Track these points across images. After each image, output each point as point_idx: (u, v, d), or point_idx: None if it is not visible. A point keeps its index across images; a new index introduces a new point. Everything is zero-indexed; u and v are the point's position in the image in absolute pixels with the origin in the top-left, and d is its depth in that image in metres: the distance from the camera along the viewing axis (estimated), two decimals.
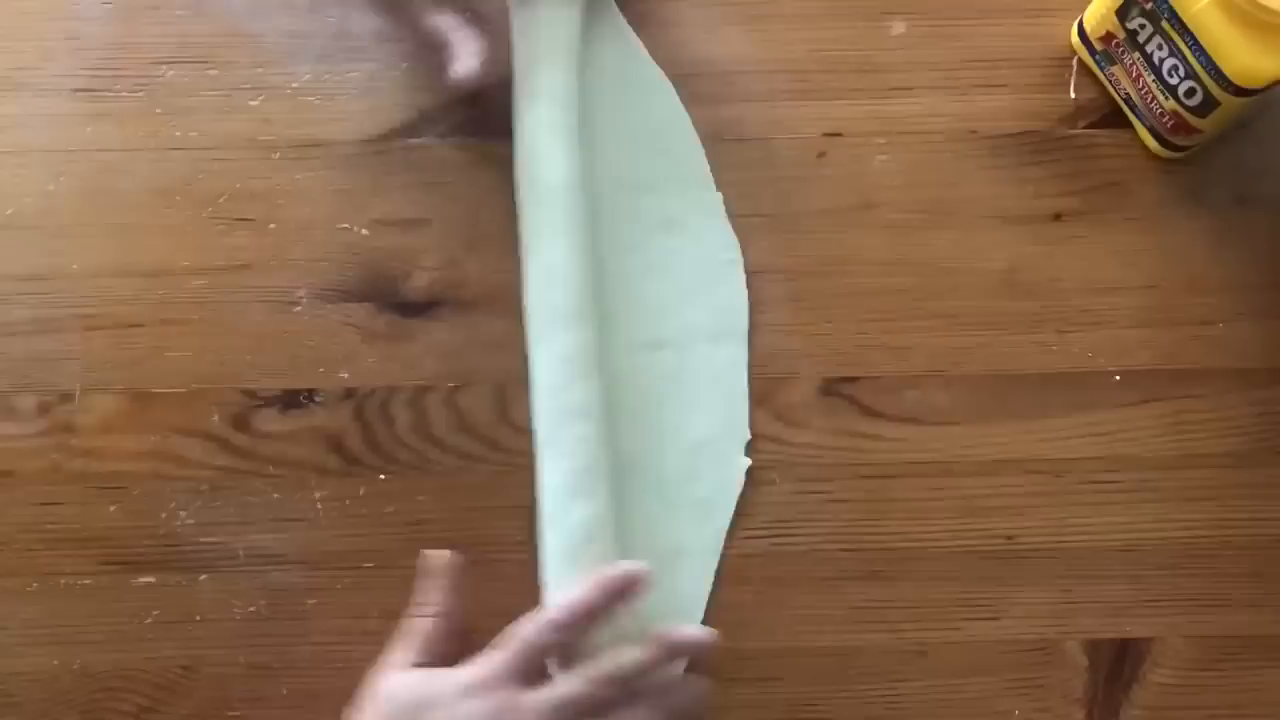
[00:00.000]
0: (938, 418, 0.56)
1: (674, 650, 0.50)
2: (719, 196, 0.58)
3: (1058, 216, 0.58)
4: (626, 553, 0.52)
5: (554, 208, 0.54)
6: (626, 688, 0.49)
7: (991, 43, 0.60)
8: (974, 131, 0.59)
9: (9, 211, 0.58)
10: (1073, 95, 0.59)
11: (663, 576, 0.51)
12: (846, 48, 0.59)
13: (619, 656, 0.49)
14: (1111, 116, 0.59)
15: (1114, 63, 0.57)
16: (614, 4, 0.59)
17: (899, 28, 0.60)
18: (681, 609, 0.54)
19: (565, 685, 0.49)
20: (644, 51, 0.59)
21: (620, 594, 0.49)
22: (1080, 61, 0.59)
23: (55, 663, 0.54)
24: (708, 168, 0.58)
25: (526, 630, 0.49)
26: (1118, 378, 0.57)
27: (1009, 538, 0.55)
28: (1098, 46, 0.58)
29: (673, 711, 0.50)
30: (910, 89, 0.59)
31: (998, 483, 0.56)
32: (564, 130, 0.55)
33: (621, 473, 0.54)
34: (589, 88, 0.57)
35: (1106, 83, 0.58)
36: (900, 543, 0.55)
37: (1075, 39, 0.59)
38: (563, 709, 0.48)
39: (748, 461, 0.55)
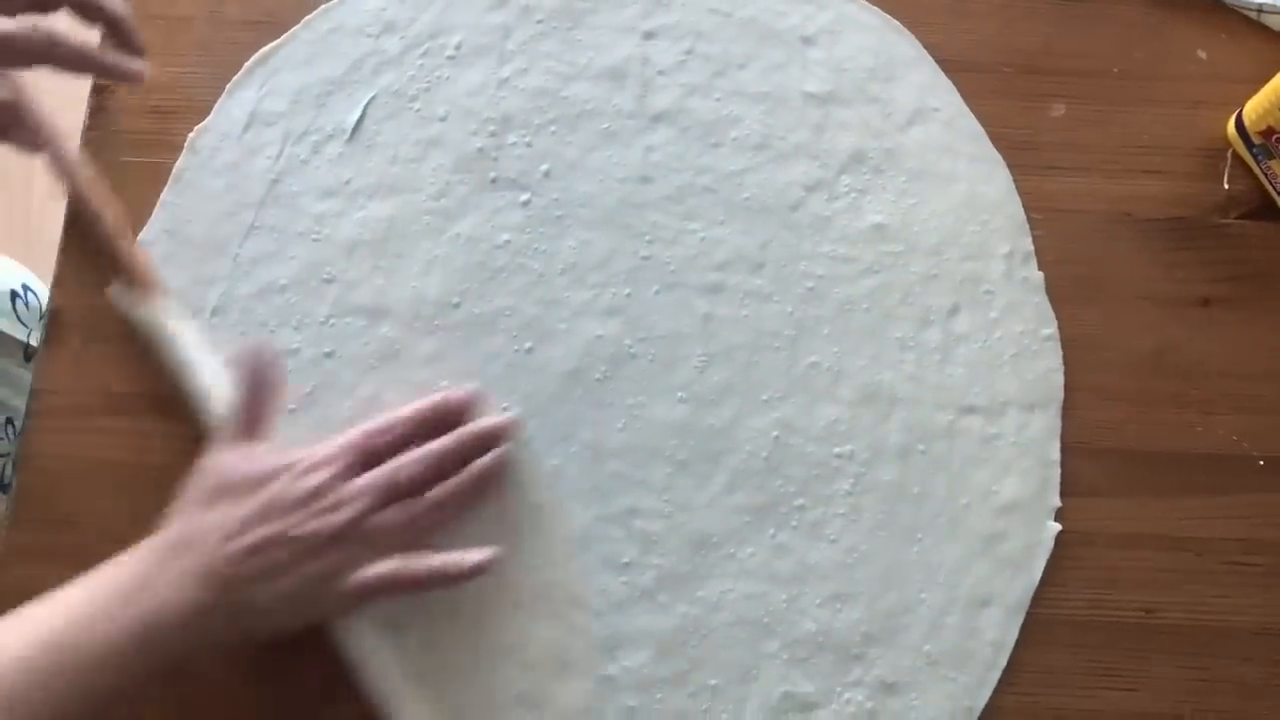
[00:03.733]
0: (1083, 489, 0.57)
1: (478, 435, 0.54)
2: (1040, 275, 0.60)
3: (1206, 302, 0.60)
4: (924, 592, 0.56)
5: None
6: (439, 465, 0.53)
7: (1148, 130, 0.62)
8: (1128, 214, 0.61)
9: None
10: (1226, 186, 0.61)
11: (966, 623, 0.55)
12: (1008, 125, 0.61)
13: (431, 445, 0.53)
14: (1264, 209, 0.60)
15: (1272, 157, 0.59)
16: None
17: (1059, 110, 0.62)
18: (986, 657, 0.55)
19: (384, 468, 0.52)
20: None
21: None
22: (1235, 154, 0.61)
23: None
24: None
25: (357, 429, 0.53)
26: (1261, 463, 0.58)
27: (1147, 611, 0.56)
28: (1256, 140, 0.59)
29: (476, 474, 0.54)
30: (1065, 169, 0.61)
31: (1138, 556, 0.57)
32: None
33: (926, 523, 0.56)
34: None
35: (1262, 176, 0.60)
36: (1037, 608, 0.56)
37: (1232, 131, 0.61)
38: (385, 485, 0.52)
39: (1058, 527, 0.56)
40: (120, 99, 0.60)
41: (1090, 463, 0.58)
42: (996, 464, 0.57)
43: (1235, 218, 0.61)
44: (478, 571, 0.52)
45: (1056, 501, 0.57)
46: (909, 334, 0.58)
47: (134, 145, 0.60)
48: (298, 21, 0.61)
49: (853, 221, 0.59)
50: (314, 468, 0.51)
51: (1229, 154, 0.61)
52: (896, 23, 0.62)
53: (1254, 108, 0.59)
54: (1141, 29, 0.63)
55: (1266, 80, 0.59)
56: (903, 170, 0.60)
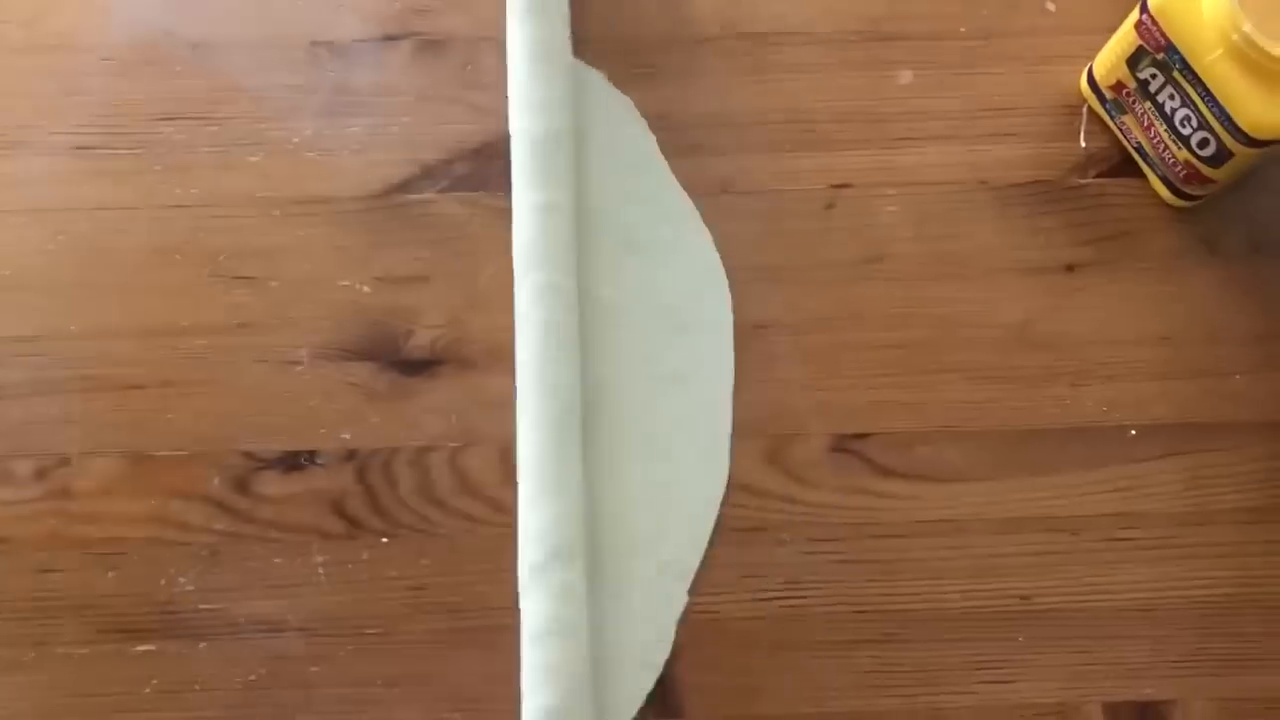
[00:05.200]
0: (951, 475, 0.55)
1: None
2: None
3: (1070, 268, 0.57)
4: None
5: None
6: None
7: (1000, 92, 0.59)
8: (984, 182, 0.58)
9: (6, 272, 0.57)
10: (1083, 144, 0.59)
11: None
12: (854, 99, 0.59)
13: None
14: (1123, 165, 0.58)
15: (1125, 112, 0.56)
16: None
17: (906, 78, 0.59)
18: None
19: None
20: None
21: None
22: (1090, 110, 0.58)
23: None
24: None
25: None
26: (1134, 432, 0.56)
27: (1024, 598, 0.54)
28: (1108, 95, 0.57)
29: None
30: (919, 139, 0.58)
31: (1013, 541, 0.55)
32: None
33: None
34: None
35: (1118, 131, 0.58)
36: (913, 604, 0.54)
37: (1085, 87, 0.58)
38: None
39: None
40: None
41: (958, 447, 0.55)
42: None
43: (1094, 176, 0.58)
44: None
45: None
46: None
47: None
48: None
49: None
50: None
51: (1084, 110, 0.59)
52: None
53: (1102, 63, 0.56)
54: None
55: (1118, 30, 0.56)
56: None
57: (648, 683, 0.53)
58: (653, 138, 0.58)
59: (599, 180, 0.57)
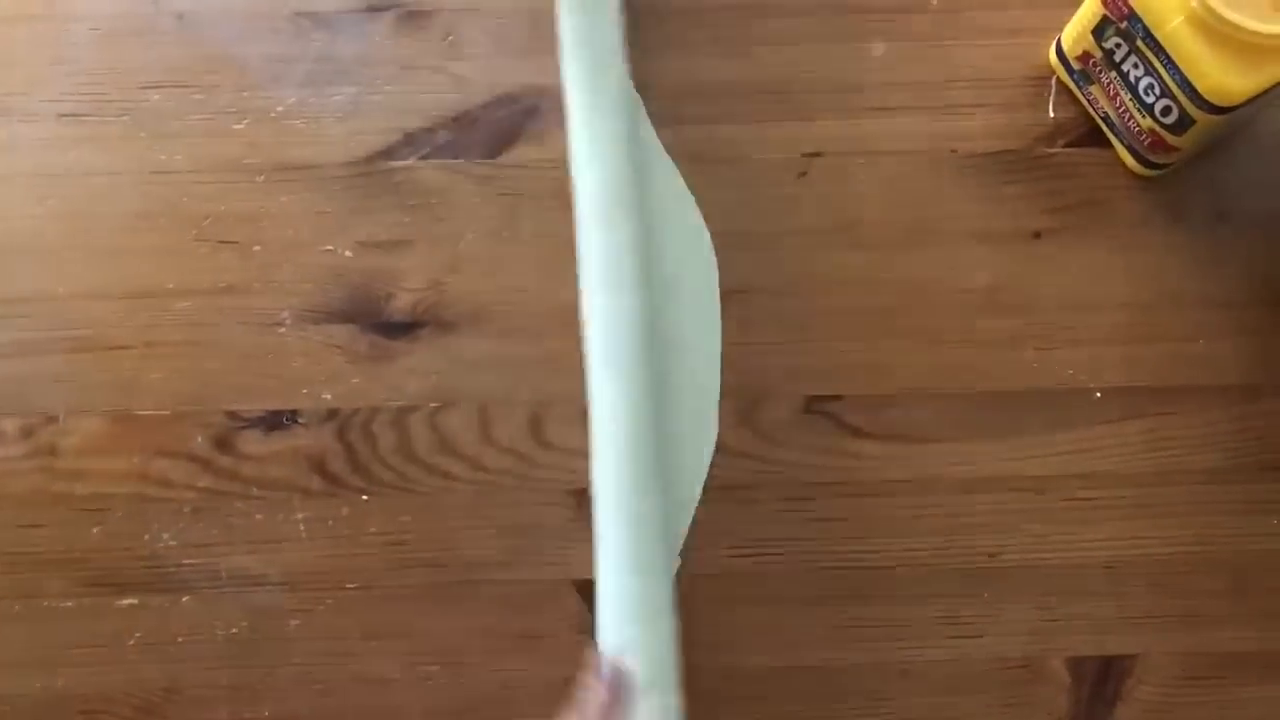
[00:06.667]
0: (919, 435, 0.56)
1: None
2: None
3: (1037, 235, 0.58)
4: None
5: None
6: None
7: (970, 63, 0.60)
8: (953, 151, 0.59)
9: None
10: (1051, 114, 0.60)
11: None
12: (827, 68, 0.60)
13: None
14: (1090, 135, 0.59)
15: (1092, 82, 0.58)
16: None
17: (879, 49, 0.60)
18: None
19: None
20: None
21: None
22: (1058, 81, 0.60)
23: (37, 685, 0.54)
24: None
25: None
26: (1098, 395, 0.57)
27: (991, 555, 0.55)
28: (1075, 66, 0.58)
29: None
30: (890, 109, 0.60)
31: (979, 500, 0.56)
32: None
33: None
34: None
35: (1085, 102, 0.59)
36: (882, 561, 0.55)
37: (1053, 59, 0.59)
38: None
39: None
40: None
41: (926, 408, 0.57)
42: None
43: (1062, 146, 0.59)
44: None
45: None
46: None
47: None
48: None
49: None
50: None
51: (1053, 81, 0.60)
52: None
53: (1069, 34, 0.58)
54: None
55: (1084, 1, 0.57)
56: None
57: None
58: (641, 105, 0.59)
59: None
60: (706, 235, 0.58)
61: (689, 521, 0.55)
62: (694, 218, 0.58)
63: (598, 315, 0.54)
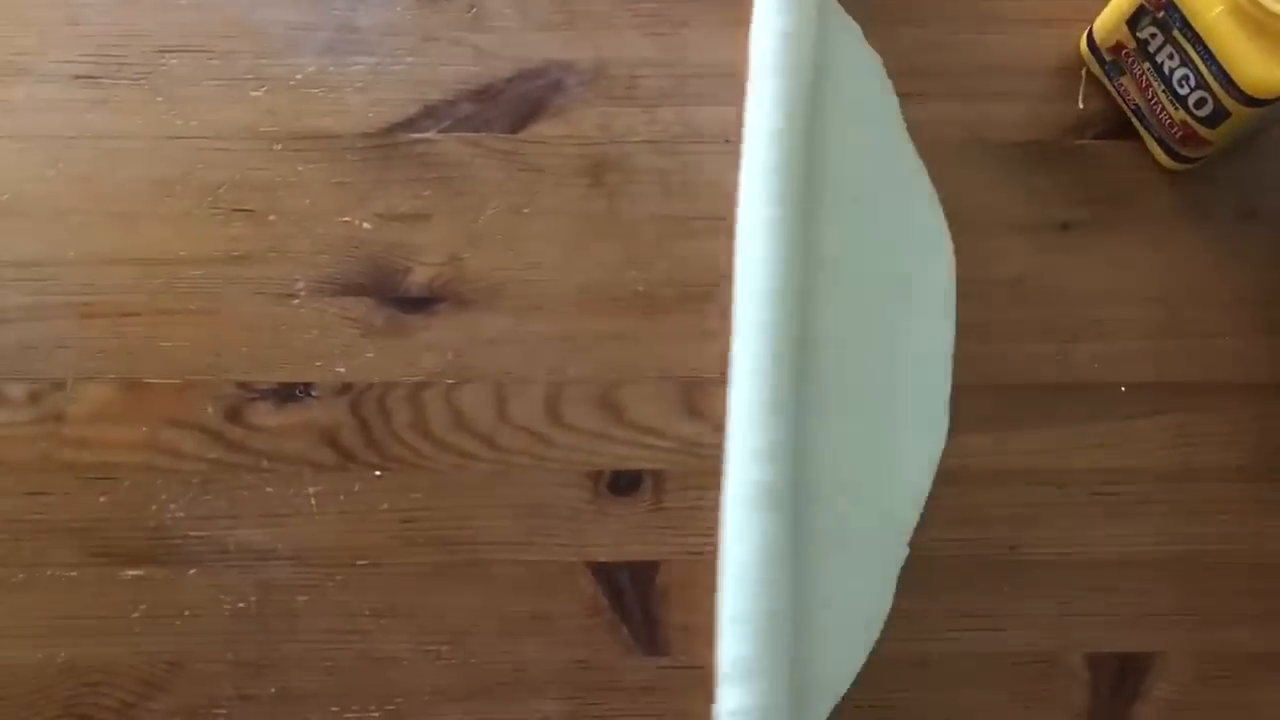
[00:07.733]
0: None
1: None
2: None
3: (1065, 226, 0.58)
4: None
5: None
6: None
7: (1000, 52, 0.59)
8: (981, 139, 0.59)
9: (5, 197, 0.57)
10: (1081, 105, 0.59)
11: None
12: None
13: None
14: (1119, 127, 0.59)
15: (1123, 73, 0.57)
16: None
17: (908, 35, 0.59)
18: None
19: None
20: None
21: None
22: (1089, 72, 0.59)
23: (39, 655, 0.53)
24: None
25: None
26: (1123, 389, 0.56)
27: (1012, 548, 0.55)
28: (1107, 57, 0.57)
29: None
30: (920, 96, 0.59)
31: (1002, 493, 0.55)
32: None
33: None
34: None
35: (1115, 93, 0.58)
36: None
37: (1084, 49, 0.59)
38: None
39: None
40: None
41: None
42: None
43: (1091, 138, 0.59)
44: None
45: None
46: None
47: None
48: None
49: None
50: None
51: (1083, 72, 0.59)
52: None
53: (1103, 24, 0.57)
54: None
55: None
56: None
57: (872, 635, 0.53)
58: (895, 99, 0.58)
59: (837, 131, 0.57)
60: (946, 232, 0.57)
61: (918, 515, 0.54)
62: (935, 214, 0.57)
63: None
